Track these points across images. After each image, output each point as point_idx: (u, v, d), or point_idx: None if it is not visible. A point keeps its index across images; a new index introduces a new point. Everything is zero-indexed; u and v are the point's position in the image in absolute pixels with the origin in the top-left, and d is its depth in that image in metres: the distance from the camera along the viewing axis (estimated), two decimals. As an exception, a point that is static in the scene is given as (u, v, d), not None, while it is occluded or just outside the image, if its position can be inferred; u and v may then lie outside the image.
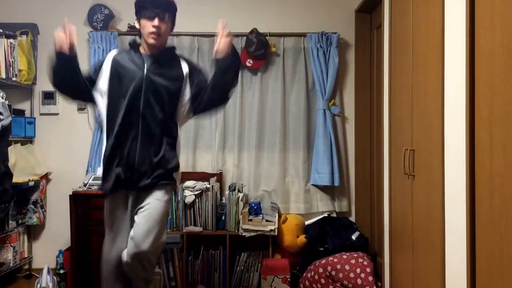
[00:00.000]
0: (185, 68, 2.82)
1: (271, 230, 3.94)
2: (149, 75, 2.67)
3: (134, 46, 2.80)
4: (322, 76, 4.38)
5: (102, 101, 2.72)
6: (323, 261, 3.74)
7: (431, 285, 2.54)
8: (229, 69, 2.71)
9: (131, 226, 2.64)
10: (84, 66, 4.38)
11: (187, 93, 2.79)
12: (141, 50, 2.79)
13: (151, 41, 2.69)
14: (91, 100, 2.74)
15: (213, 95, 2.73)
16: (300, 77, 4.47)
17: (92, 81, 2.73)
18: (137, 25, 2.79)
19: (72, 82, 2.65)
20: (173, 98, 2.73)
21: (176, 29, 4.31)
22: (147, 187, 2.64)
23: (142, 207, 2.62)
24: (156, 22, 2.65)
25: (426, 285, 2.61)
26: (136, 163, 2.63)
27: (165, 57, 2.78)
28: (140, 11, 2.70)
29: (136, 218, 2.62)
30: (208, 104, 2.78)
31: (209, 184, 4.04)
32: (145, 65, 2.70)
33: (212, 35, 4.38)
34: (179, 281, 3.99)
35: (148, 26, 2.66)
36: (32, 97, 4.49)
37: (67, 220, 3.91)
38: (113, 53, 2.79)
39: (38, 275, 3.97)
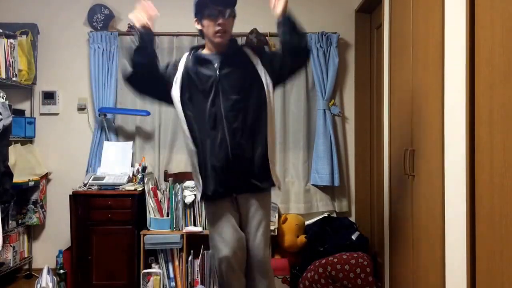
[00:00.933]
0: (251, 54, 2.71)
1: (271, 230, 3.93)
2: (222, 75, 2.59)
3: (196, 50, 2.70)
4: (322, 76, 4.38)
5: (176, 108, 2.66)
6: (323, 261, 3.73)
7: (431, 285, 2.54)
8: (296, 24, 2.67)
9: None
10: (84, 66, 4.45)
11: (266, 76, 2.65)
12: (206, 51, 2.70)
13: (218, 40, 2.59)
14: (167, 98, 2.67)
15: (291, 54, 2.64)
16: (300, 77, 4.46)
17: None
18: (197, 26, 2.66)
19: (154, 69, 2.63)
20: (254, 88, 2.62)
21: (175, 29, 4.39)
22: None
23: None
24: (220, 20, 2.55)
25: (426, 285, 2.61)
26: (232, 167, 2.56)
27: (231, 52, 2.68)
28: (202, 11, 2.59)
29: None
30: (292, 66, 2.69)
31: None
32: (216, 66, 2.60)
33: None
34: (179, 281, 3.99)
35: (213, 26, 2.56)
36: (32, 97, 4.49)
37: (67, 220, 3.91)
38: (182, 62, 2.67)
39: (38, 275, 3.95)
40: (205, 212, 2.83)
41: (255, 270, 2.66)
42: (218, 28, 2.56)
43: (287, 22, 2.63)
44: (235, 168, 2.56)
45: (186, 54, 2.71)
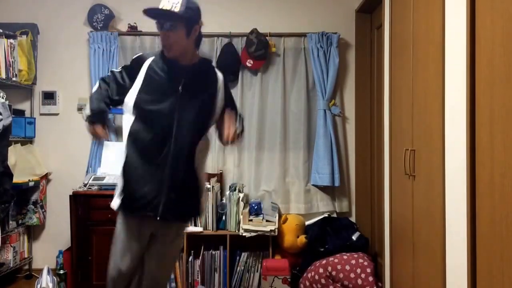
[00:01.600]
0: (220, 81, 2.60)
1: (271, 230, 3.93)
2: (184, 94, 2.45)
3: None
4: (323, 76, 4.37)
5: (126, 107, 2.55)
6: (324, 262, 3.73)
7: (431, 285, 2.54)
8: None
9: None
10: (84, 66, 4.44)
11: (219, 106, 2.57)
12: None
13: (169, 54, 2.44)
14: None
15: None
16: (300, 77, 4.46)
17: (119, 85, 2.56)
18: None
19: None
20: (208, 113, 2.53)
21: (176, 29, 4.36)
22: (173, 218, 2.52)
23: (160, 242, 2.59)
24: (161, 34, 2.40)
25: (427, 286, 2.61)
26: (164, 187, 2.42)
27: (199, 69, 2.55)
28: (148, 13, 2.38)
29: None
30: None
31: (210, 184, 4.03)
32: (180, 82, 2.46)
33: (212, 35, 4.41)
34: (179, 281, 3.99)
35: (162, 39, 2.42)
36: (32, 97, 4.49)
37: (67, 221, 3.91)
38: (148, 61, 2.50)
39: (38, 276, 3.96)
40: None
41: None
42: (164, 42, 2.42)
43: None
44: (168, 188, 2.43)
45: (151, 58, 2.51)
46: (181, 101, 2.43)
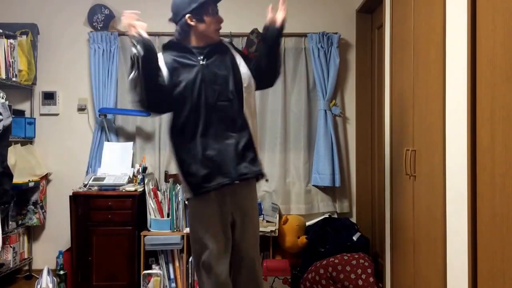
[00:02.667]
0: (233, 51, 2.72)
1: (271, 231, 3.93)
2: (206, 65, 2.57)
3: (174, 45, 2.66)
4: (323, 77, 4.37)
5: None
6: (324, 262, 3.73)
7: (432, 286, 2.53)
8: (279, 41, 2.70)
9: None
10: (84, 67, 4.44)
11: (246, 72, 2.66)
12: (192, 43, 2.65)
13: (217, 36, 2.66)
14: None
15: (266, 70, 2.70)
16: (301, 77, 4.46)
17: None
18: (191, 23, 2.57)
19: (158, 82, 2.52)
20: (234, 80, 2.60)
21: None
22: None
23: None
24: (220, 18, 2.64)
25: (428, 286, 2.60)
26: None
27: (216, 45, 2.67)
28: (207, 8, 2.55)
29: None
30: (261, 83, 2.76)
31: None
32: (200, 57, 2.59)
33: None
34: (180, 282, 3.98)
35: (215, 23, 2.61)
36: (32, 97, 4.48)
37: (67, 221, 3.91)
38: (161, 58, 2.59)
39: (38, 276, 3.95)
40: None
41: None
42: (219, 26, 2.63)
43: (279, 33, 2.65)
44: (219, 156, 2.51)
45: (160, 54, 2.60)
46: (206, 71, 2.55)
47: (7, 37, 4.06)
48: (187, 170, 2.53)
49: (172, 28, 4.39)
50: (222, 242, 2.56)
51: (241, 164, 2.53)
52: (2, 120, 3.46)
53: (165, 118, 4.36)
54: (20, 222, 4.22)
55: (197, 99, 2.52)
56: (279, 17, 2.62)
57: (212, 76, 2.55)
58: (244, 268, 2.67)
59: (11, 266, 4.10)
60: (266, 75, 2.73)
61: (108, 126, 4.32)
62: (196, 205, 2.60)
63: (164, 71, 2.53)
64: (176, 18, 2.64)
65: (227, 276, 2.58)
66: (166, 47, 2.67)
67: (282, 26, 2.64)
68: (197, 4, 2.54)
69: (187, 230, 3.94)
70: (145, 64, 2.38)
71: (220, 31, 2.67)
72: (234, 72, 2.60)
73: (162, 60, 2.56)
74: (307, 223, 4.30)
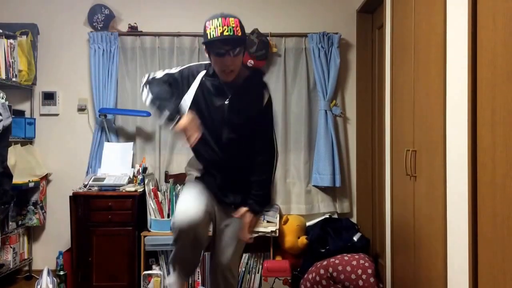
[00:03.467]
0: (265, 95, 2.63)
1: (272, 231, 3.92)
2: (231, 107, 2.55)
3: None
4: (324, 77, 4.36)
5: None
6: (324, 263, 3.72)
7: (433, 286, 2.52)
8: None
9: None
10: (84, 67, 4.43)
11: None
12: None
13: (223, 78, 2.50)
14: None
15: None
16: (301, 77, 4.45)
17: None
18: (206, 54, 2.53)
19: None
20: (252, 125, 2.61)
21: (176, 30, 4.37)
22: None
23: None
24: (228, 60, 2.41)
25: (428, 286, 2.59)
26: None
27: (247, 85, 2.61)
28: (210, 49, 2.44)
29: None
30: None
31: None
32: (227, 96, 2.55)
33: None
34: (180, 282, 3.97)
35: (219, 64, 2.44)
36: (32, 97, 4.48)
37: (67, 221, 3.91)
38: (201, 75, 2.60)
39: (38, 277, 3.95)
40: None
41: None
42: (224, 68, 2.45)
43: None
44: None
45: (203, 72, 2.60)
46: (228, 112, 2.53)
47: (7, 37, 4.05)
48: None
49: (173, 28, 4.42)
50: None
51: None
52: (2, 120, 3.46)
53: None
54: (20, 222, 4.21)
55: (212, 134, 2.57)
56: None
57: (231, 115, 2.55)
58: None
59: (11, 266, 4.09)
60: None
61: (108, 127, 4.32)
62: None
63: (196, 84, 2.58)
64: None
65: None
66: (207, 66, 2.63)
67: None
68: (203, 42, 2.49)
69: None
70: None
71: (231, 73, 2.49)
72: (251, 117, 2.58)
73: (200, 76, 2.59)
74: (308, 224, 4.30)
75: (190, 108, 2.53)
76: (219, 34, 2.36)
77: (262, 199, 2.60)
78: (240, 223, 2.60)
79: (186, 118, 2.37)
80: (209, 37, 2.38)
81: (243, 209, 2.55)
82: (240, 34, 2.42)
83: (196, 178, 2.69)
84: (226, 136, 2.56)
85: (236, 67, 2.48)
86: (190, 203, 2.48)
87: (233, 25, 2.40)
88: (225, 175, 2.61)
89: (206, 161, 2.63)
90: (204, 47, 2.50)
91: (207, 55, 2.53)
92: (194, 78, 2.60)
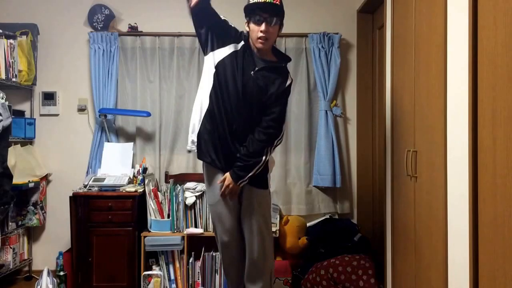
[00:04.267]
0: (289, 81, 2.86)
1: (272, 232, 3.91)
2: (255, 76, 2.73)
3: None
4: (324, 77, 4.36)
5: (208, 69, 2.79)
6: (325, 263, 3.71)
7: (433, 287, 2.52)
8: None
9: None
10: (84, 67, 4.43)
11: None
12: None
13: (258, 45, 2.70)
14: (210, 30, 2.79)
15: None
16: (301, 77, 4.45)
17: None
18: (246, 28, 2.77)
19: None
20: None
21: (177, 30, 4.37)
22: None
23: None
24: (263, 27, 2.64)
25: (429, 287, 2.59)
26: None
27: (275, 64, 2.82)
28: (249, 15, 2.69)
29: None
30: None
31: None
32: (255, 69, 2.74)
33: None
34: (180, 283, 3.97)
35: (256, 31, 2.66)
36: (32, 98, 4.47)
37: (67, 222, 3.90)
38: (240, 44, 2.79)
39: (38, 277, 3.94)
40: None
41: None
42: (260, 35, 2.65)
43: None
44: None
45: (242, 43, 2.78)
46: (252, 82, 2.72)
47: (7, 37, 4.05)
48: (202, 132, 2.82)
49: (173, 28, 4.41)
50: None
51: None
52: (2, 120, 3.45)
53: (165, 118, 4.38)
54: (20, 222, 4.21)
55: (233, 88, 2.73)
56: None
57: (253, 86, 2.73)
58: None
59: (11, 267, 4.09)
60: None
61: (108, 127, 4.31)
62: None
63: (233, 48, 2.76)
64: None
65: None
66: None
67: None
68: (244, 10, 2.71)
69: (187, 230, 3.93)
70: None
71: (266, 41, 2.71)
72: (271, 93, 2.77)
73: (233, 46, 2.76)
74: (308, 224, 4.29)
75: (217, 65, 2.71)
76: (261, 0, 2.58)
77: (242, 170, 2.75)
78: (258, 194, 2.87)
79: None
80: (250, 1, 2.61)
81: (226, 174, 2.78)
82: (279, 3, 2.64)
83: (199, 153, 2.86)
84: (242, 104, 2.72)
85: (271, 37, 2.71)
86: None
87: None
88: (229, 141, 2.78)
89: (216, 126, 2.75)
90: (244, 14, 2.70)
91: (246, 25, 2.73)
92: (232, 39, 2.77)
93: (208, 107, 2.77)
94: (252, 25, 2.68)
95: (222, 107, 2.73)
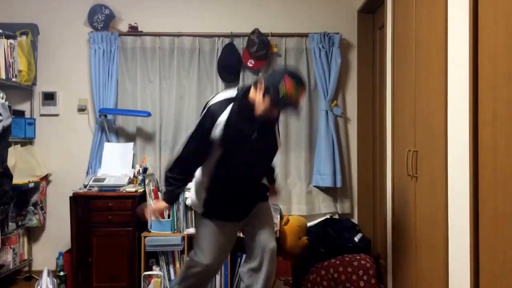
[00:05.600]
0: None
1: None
2: (260, 134, 2.74)
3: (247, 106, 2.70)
4: (324, 77, 4.35)
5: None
6: (325, 263, 3.71)
7: (434, 287, 2.51)
8: None
9: None
10: (85, 67, 4.42)
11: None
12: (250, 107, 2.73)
13: (261, 118, 2.65)
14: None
15: None
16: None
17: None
18: (253, 94, 2.66)
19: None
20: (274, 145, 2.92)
21: (177, 30, 4.36)
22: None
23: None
24: (277, 112, 2.72)
25: (430, 287, 2.59)
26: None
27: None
28: (277, 103, 2.56)
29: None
30: None
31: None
32: (255, 125, 2.72)
33: (213, 36, 4.40)
34: (180, 283, 3.96)
35: (269, 110, 2.60)
36: (32, 98, 4.46)
37: (67, 222, 3.90)
38: (228, 109, 2.67)
39: (38, 277, 3.94)
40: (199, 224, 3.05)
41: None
42: (271, 115, 2.67)
43: None
44: (250, 198, 2.92)
45: (231, 105, 2.66)
46: (257, 142, 2.73)
47: (7, 37, 4.04)
48: (213, 199, 2.85)
49: (173, 28, 4.40)
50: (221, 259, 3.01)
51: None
52: (2, 120, 3.45)
53: (165, 118, 4.38)
54: (20, 223, 4.20)
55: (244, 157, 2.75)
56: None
57: (261, 144, 2.77)
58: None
59: (11, 267, 4.08)
60: None
61: (108, 127, 4.31)
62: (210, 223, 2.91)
63: (225, 115, 2.65)
64: None
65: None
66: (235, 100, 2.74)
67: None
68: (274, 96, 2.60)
69: (187, 231, 3.93)
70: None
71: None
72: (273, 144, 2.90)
73: (226, 114, 2.65)
74: (308, 224, 4.28)
75: (221, 137, 2.63)
76: (295, 101, 2.55)
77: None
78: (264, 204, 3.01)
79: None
80: (286, 97, 2.50)
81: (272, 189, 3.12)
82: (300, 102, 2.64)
83: (206, 215, 2.90)
84: (256, 162, 2.81)
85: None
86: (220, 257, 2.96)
87: (302, 95, 2.59)
88: (247, 199, 2.91)
89: (229, 189, 2.82)
90: (268, 95, 2.56)
91: (259, 91, 2.60)
92: (221, 113, 2.66)
93: None
94: (268, 103, 2.56)
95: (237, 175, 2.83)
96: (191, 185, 2.98)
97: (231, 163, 2.73)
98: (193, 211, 3.97)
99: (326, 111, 4.35)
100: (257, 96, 2.61)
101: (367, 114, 4.47)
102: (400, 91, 3.16)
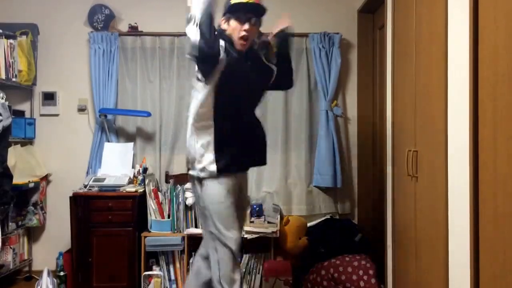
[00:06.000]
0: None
1: (273, 232, 3.91)
2: (249, 67, 2.74)
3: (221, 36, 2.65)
4: (325, 77, 4.35)
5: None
6: (326, 263, 3.71)
7: (434, 286, 2.51)
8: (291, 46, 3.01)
9: None
10: (85, 67, 4.43)
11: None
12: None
13: (239, 45, 2.64)
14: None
15: (283, 73, 2.95)
16: (302, 77, 4.44)
17: None
18: (223, 26, 2.69)
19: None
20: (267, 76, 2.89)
21: (177, 30, 4.36)
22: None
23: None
24: (247, 26, 2.60)
25: (430, 287, 2.59)
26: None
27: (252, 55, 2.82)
28: (232, 13, 2.62)
29: None
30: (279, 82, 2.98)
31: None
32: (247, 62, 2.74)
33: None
34: (180, 283, 3.97)
35: (238, 30, 2.61)
36: (32, 98, 4.47)
37: (67, 222, 3.90)
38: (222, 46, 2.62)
39: (38, 277, 3.94)
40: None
41: None
42: (243, 33, 2.61)
43: (290, 36, 2.96)
44: (258, 145, 2.90)
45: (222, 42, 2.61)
46: (254, 77, 2.75)
47: (7, 37, 4.04)
48: (225, 148, 2.67)
49: (174, 28, 4.41)
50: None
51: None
52: (2, 120, 3.45)
53: (165, 118, 4.38)
54: (20, 223, 4.20)
55: (243, 88, 2.71)
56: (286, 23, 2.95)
57: (253, 76, 2.76)
58: None
59: (11, 267, 4.09)
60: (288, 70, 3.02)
61: (108, 127, 4.31)
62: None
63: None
64: None
65: None
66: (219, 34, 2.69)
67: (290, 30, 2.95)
68: (226, 7, 2.68)
69: (187, 231, 3.93)
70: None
71: (247, 41, 2.68)
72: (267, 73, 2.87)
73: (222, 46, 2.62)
74: (309, 224, 4.28)
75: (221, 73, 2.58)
76: (244, 1, 2.56)
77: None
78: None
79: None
80: (232, 1, 2.57)
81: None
82: (261, 4, 2.65)
83: (220, 168, 2.66)
84: (253, 97, 2.80)
85: (251, 37, 2.68)
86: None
87: None
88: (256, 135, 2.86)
89: (239, 129, 2.72)
90: (223, 14, 2.65)
91: (223, 22, 2.67)
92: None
93: None
94: (234, 22, 2.61)
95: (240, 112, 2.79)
96: (191, 151, 2.79)
97: (228, 91, 2.63)
98: (193, 211, 3.97)
99: (326, 111, 4.35)
100: (227, 28, 2.66)
101: (367, 114, 4.47)
102: (400, 91, 3.16)
